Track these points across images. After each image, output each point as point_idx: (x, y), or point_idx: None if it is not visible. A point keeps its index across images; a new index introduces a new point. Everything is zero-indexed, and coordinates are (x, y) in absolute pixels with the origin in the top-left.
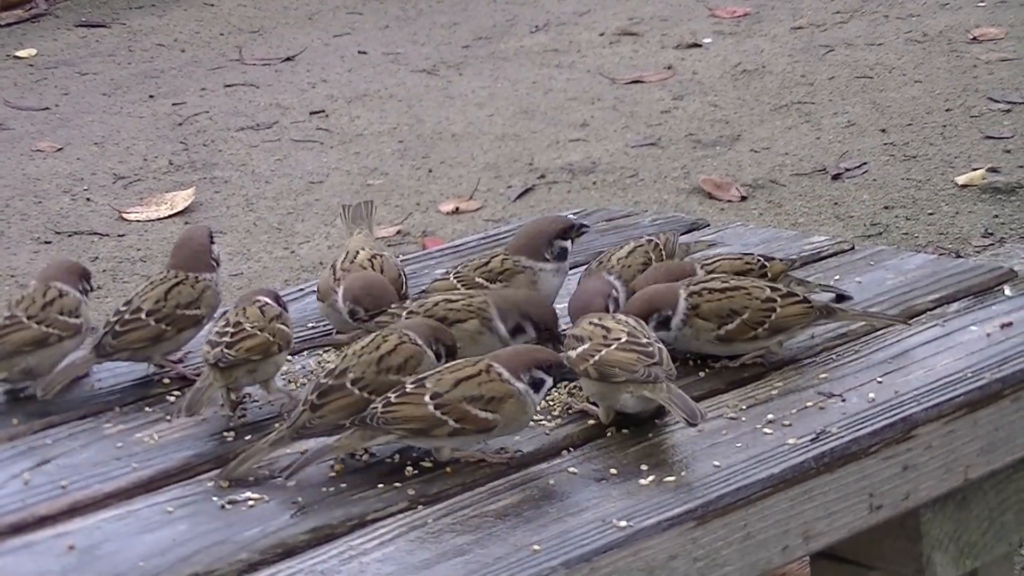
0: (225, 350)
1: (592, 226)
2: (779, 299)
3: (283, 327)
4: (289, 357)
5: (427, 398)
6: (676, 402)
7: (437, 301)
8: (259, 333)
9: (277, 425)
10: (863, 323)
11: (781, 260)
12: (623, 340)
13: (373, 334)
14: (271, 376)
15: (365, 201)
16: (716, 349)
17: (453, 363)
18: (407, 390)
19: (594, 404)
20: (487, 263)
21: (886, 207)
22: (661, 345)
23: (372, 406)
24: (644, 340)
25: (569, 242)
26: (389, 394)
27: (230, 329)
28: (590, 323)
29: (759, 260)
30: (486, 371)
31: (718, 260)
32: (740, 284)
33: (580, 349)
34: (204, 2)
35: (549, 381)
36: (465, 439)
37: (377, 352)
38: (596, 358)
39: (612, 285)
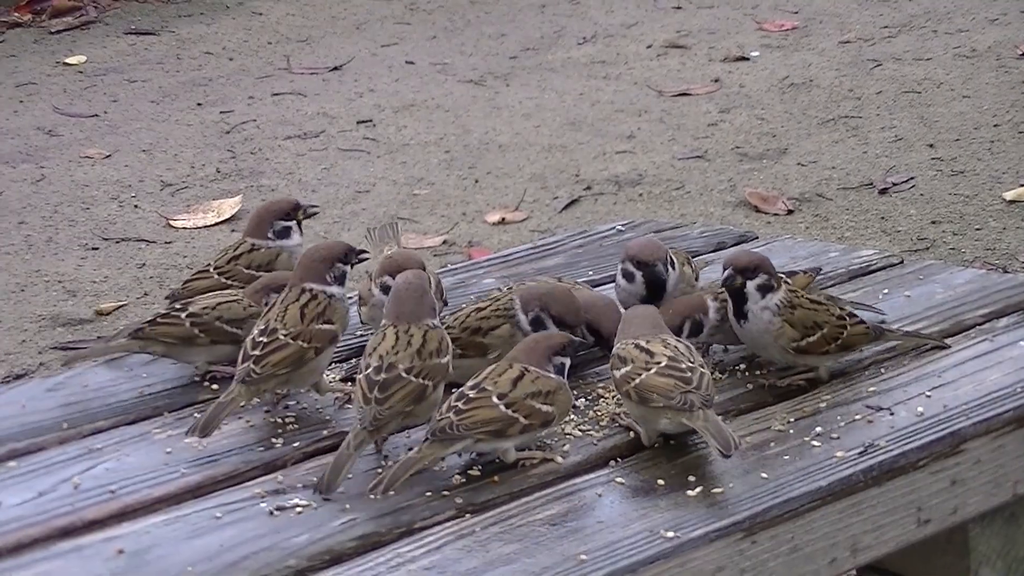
0: (252, 366)
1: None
2: (847, 318)
3: (324, 327)
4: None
5: (495, 399)
6: (711, 430)
7: (469, 312)
8: (291, 342)
9: (326, 432)
10: (907, 343)
11: (805, 272)
12: (663, 364)
13: (392, 333)
14: (311, 382)
15: (390, 223)
16: (783, 358)
17: (492, 369)
18: (471, 396)
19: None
20: (482, 309)
21: (933, 222)
22: (705, 370)
23: (444, 416)
24: (684, 365)
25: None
26: (456, 402)
27: (263, 340)
28: (635, 345)
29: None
30: (528, 371)
31: None
32: (820, 300)
33: (623, 371)
34: (252, 11)
35: (568, 361)
36: (530, 436)
37: (411, 347)
38: (636, 382)
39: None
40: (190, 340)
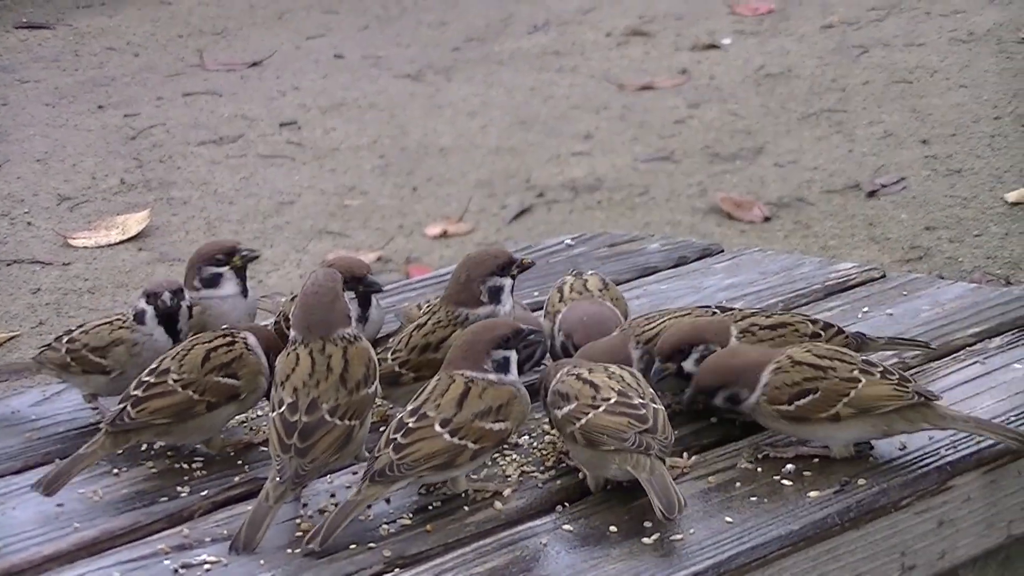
0: (129, 408)
1: (593, 252)
2: (822, 332)
3: (225, 380)
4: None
5: (438, 427)
6: (655, 487)
7: (409, 333)
8: (179, 391)
9: (237, 479)
10: (891, 351)
11: (740, 310)
12: (612, 401)
13: (306, 356)
14: (199, 440)
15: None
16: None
17: (433, 385)
18: (410, 425)
19: None
20: (423, 325)
21: (927, 228)
22: (658, 405)
23: (382, 452)
24: (637, 401)
25: (508, 278)
26: (394, 435)
27: (149, 379)
28: (577, 377)
29: (714, 312)
30: (472, 383)
31: (662, 321)
32: (779, 322)
33: (566, 409)
34: (160, 0)
35: (513, 355)
36: (485, 456)
37: (332, 374)
38: (582, 422)
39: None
40: (65, 368)
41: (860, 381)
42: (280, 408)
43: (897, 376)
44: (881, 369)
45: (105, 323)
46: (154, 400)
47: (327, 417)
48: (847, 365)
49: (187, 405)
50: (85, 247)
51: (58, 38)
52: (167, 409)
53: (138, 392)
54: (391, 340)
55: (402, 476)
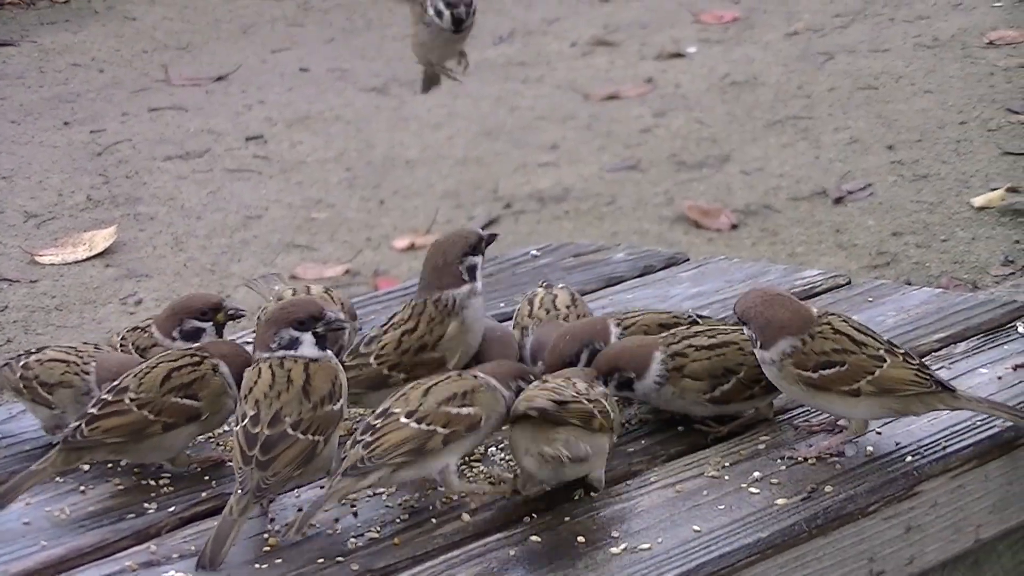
0: (84, 426)
1: (559, 262)
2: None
3: (184, 401)
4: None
5: (403, 419)
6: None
7: (397, 339)
8: (134, 410)
9: (204, 494)
10: None
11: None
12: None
13: (267, 369)
14: (158, 459)
15: (273, 272)
16: (707, 410)
17: (403, 391)
18: (376, 425)
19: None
20: (413, 330)
21: (894, 234)
22: (604, 402)
23: (352, 451)
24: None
25: (480, 256)
26: (363, 436)
27: (106, 397)
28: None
29: (690, 316)
30: (458, 376)
31: (640, 314)
32: (729, 339)
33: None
34: (124, 16)
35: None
36: (460, 444)
37: (293, 386)
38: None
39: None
40: (19, 392)
41: (885, 361)
42: (243, 421)
43: (917, 362)
44: (903, 352)
45: (61, 359)
46: (108, 419)
47: (289, 431)
48: (876, 343)
49: (141, 425)
50: (52, 264)
51: (23, 55)
52: (120, 429)
53: (94, 410)
54: (364, 346)
55: (375, 468)
